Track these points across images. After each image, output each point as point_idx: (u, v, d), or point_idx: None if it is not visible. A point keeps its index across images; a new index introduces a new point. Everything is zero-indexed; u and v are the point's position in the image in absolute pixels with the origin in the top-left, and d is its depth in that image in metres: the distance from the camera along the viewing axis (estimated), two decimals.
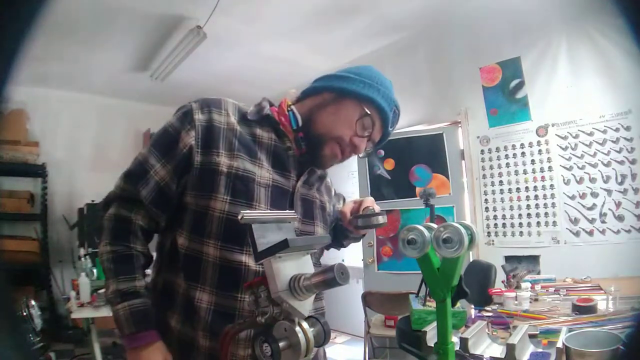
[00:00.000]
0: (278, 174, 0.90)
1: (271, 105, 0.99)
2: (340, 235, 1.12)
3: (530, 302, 1.71)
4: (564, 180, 2.72)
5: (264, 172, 0.88)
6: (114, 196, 0.88)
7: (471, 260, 2.86)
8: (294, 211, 0.85)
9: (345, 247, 1.20)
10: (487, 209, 3.07)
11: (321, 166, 0.97)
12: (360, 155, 0.96)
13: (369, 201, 0.96)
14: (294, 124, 0.95)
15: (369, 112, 0.91)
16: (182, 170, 0.85)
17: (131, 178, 0.86)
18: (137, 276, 0.83)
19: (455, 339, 0.89)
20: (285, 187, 0.91)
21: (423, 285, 1.48)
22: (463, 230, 0.67)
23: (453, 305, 0.75)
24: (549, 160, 2.80)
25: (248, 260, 0.82)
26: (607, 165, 2.55)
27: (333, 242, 1.15)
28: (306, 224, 0.96)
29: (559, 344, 0.99)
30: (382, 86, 0.94)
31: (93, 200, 4.09)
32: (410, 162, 3.43)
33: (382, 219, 0.94)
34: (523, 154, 2.92)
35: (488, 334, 1.25)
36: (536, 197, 2.84)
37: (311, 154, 0.94)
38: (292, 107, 0.98)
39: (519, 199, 2.92)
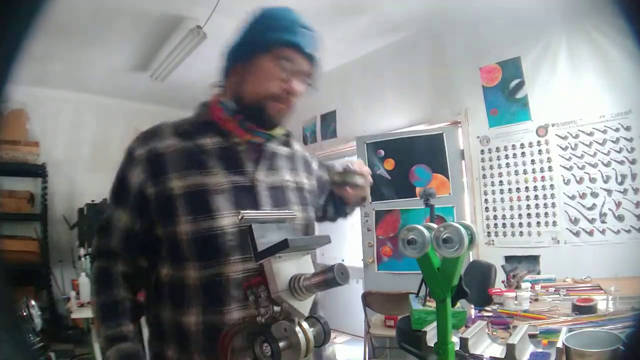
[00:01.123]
0: (234, 174, 0.88)
1: (208, 106, 0.96)
2: (339, 203, 1.13)
3: (530, 302, 1.71)
4: (564, 180, 2.72)
5: (218, 179, 0.85)
6: (94, 252, 0.93)
7: (471, 260, 2.86)
8: (293, 211, 0.84)
9: (349, 213, 1.23)
10: (487, 209, 3.07)
11: (277, 124, 0.93)
12: (302, 92, 0.91)
13: (357, 162, 0.97)
14: (230, 112, 0.92)
15: (275, 56, 0.87)
16: (141, 208, 0.86)
17: (100, 233, 0.90)
18: (122, 322, 0.85)
19: (455, 339, 0.89)
20: (246, 183, 0.88)
21: (423, 285, 1.49)
22: (463, 230, 0.67)
23: (453, 305, 0.75)
24: (549, 160, 2.79)
25: (227, 269, 0.81)
26: (607, 165, 2.55)
27: (336, 212, 1.18)
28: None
29: (559, 344, 0.99)
30: (272, 21, 0.90)
31: (93, 200, 4.09)
32: (410, 162, 3.43)
33: (359, 180, 0.93)
34: (523, 154, 2.92)
35: (488, 334, 1.25)
36: (536, 197, 2.84)
37: (261, 124, 0.91)
38: (221, 98, 0.95)
39: (519, 199, 2.92)
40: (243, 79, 0.90)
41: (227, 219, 0.82)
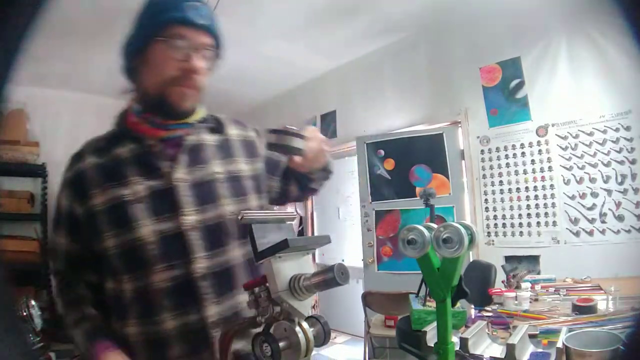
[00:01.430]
0: (152, 179, 0.84)
1: (124, 115, 0.94)
2: (301, 178, 1.01)
3: (530, 302, 1.71)
4: (564, 180, 2.72)
5: (136, 187, 0.83)
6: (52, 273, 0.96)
7: (471, 260, 2.86)
8: (293, 211, 0.85)
9: (316, 189, 1.08)
10: (487, 209, 3.07)
11: (184, 110, 0.87)
12: (204, 67, 0.85)
13: (310, 129, 0.88)
14: (138, 113, 0.88)
15: (165, 37, 0.81)
16: (73, 229, 0.87)
17: (50, 257, 0.94)
18: (84, 307, 0.86)
19: (455, 339, 0.89)
20: (163, 186, 0.84)
21: (423, 285, 1.49)
22: (463, 230, 0.67)
23: (453, 305, 0.75)
24: (549, 160, 2.79)
25: (154, 278, 0.81)
26: (607, 165, 2.55)
27: (301, 189, 1.05)
28: (207, 211, 0.85)
29: (559, 344, 0.99)
30: (155, 6, 0.84)
31: None
32: (410, 162, 3.43)
33: (297, 142, 0.81)
34: (523, 154, 2.91)
35: (488, 334, 1.25)
36: (536, 197, 2.84)
37: (169, 115, 0.86)
38: (132, 102, 0.92)
39: (519, 199, 2.92)
40: (143, 73, 0.86)
41: (145, 229, 0.80)
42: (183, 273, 0.81)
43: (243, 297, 0.84)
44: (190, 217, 0.82)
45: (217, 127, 0.96)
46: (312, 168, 0.94)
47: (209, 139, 0.93)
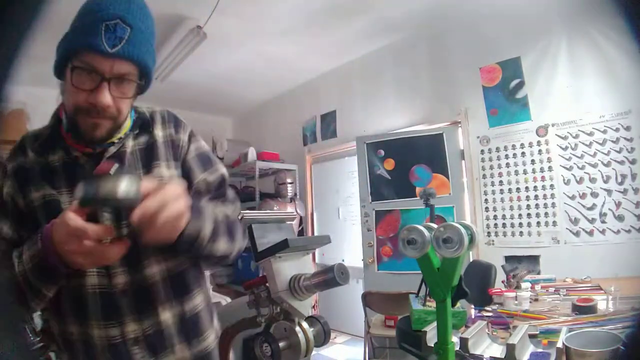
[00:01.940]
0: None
1: (57, 116, 0.89)
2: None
3: (530, 302, 1.71)
4: (564, 180, 2.72)
5: (65, 198, 0.82)
6: None
7: (471, 260, 2.86)
8: (293, 211, 0.83)
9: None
10: (487, 209, 3.07)
11: (98, 138, 0.82)
12: (108, 103, 0.77)
13: (171, 191, 0.69)
14: (65, 124, 0.85)
15: (74, 65, 0.75)
16: (18, 218, 0.84)
17: None
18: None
19: (455, 339, 0.89)
20: None
21: (423, 285, 1.49)
22: (463, 230, 0.67)
23: (453, 305, 0.75)
24: (549, 160, 2.80)
25: (85, 282, 0.81)
26: (607, 165, 2.55)
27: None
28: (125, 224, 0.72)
29: (559, 344, 0.99)
30: (76, 21, 0.78)
31: None
32: (410, 162, 3.43)
33: (122, 187, 0.58)
34: (523, 154, 2.92)
35: (488, 334, 1.25)
36: (536, 197, 2.84)
37: (76, 136, 0.83)
38: (63, 107, 0.87)
39: (519, 199, 2.92)
40: (64, 91, 0.83)
41: None
42: (106, 283, 0.81)
43: (165, 316, 0.84)
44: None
45: (144, 129, 0.91)
46: (155, 240, 0.69)
47: (131, 145, 0.89)
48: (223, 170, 0.97)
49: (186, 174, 0.91)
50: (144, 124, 0.91)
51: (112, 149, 0.85)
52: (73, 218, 0.65)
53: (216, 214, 0.83)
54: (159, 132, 0.92)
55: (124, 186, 0.61)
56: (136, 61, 0.78)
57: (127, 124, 0.89)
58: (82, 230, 0.64)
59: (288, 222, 0.69)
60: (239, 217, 0.61)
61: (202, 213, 0.78)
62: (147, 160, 0.88)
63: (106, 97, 0.76)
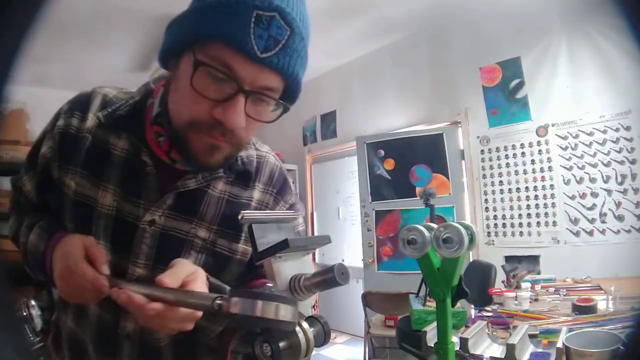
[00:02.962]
0: (125, 201, 0.66)
1: (150, 94, 0.70)
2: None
3: (530, 302, 1.71)
4: (564, 180, 2.72)
5: (107, 199, 0.66)
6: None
7: (471, 260, 2.86)
8: (293, 211, 0.76)
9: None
10: (487, 209, 3.07)
11: (210, 165, 0.64)
12: (240, 124, 0.57)
13: (200, 277, 0.58)
14: (152, 116, 0.67)
15: (205, 57, 0.54)
16: (44, 186, 0.71)
17: (12, 192, 0.78)
18: (38, 214, 0.74)
19: (455, 339, 0.89)
20: (130, 219, 0.66)
21: (423, 285, 1.49)
22: (463, 230, 0.67)
23: (453, 305, 0.75)
24: (549, 160, 2.80)
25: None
26: (607, 165, 2.55)
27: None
28: (158, 272, 0.60)
29: (559, 344, 0.99)
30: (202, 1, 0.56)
31: None
32: (410, 162, 3.43)
33: (284, 312, 0.49)
34: (523, 154, 2.92)
35: (488, 334, 1.25)
36: (536, 197, 2.84)
37: (183, 155, 0.64)
38: (159, 94, 0.68)
39: (519, 199, 2.92)
40: (171, 90, 0.62)
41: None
42: (110, 320, 0.68)
43: None
44: (140, 271, 0.66)
45: (242, 177, 0.73)
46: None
47: (218, 190, 0.70)
48: None
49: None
50: (245, 174, 0.73)
51: (190, 182, 0.67)
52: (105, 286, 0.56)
53: None
54: (256, 194, 0.74)
55: (290, 315, 0.50)
56: (290, 77, 0.58)
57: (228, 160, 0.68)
58: (136, 304, 0.52)
59: (289, 223, 0.69)
60: (239, 217, 0.61)
61: None
62: (230, 221, 0.70)
63: (239, 115, 0.56)
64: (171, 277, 0.54)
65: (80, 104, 0.70)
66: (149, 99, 0.69)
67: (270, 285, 0.49)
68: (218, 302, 0.48)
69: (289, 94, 0.62)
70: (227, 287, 0.67)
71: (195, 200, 0.68)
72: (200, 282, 0.58)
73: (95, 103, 0.70)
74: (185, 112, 0.59)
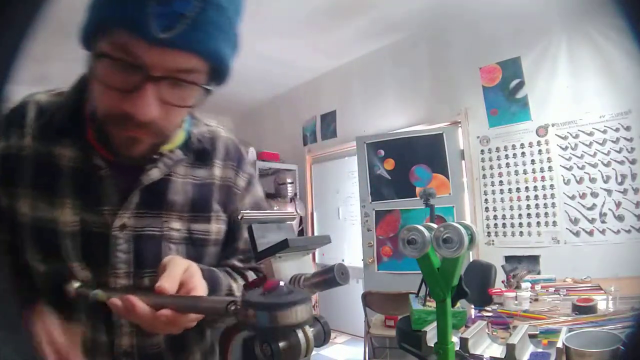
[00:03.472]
0: (88, 211, 0.61)
1: (84, 88, 0.62)
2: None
3: (530, 302, 1.71)
4: (564, 180, 2.72)
5: (67, 215, 0.60)
6: None
7: (471, 260, 2.86)
8: (293, 211, 0.79)
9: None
10: (487, 209, 3.07)
11: (136, 156, 0.61)
12: (153, 115, 0.52)
13: (196, 281, 0.56)
14: (93, 115, 0.59)
15: (101, 48, 0.50)
16: None
17: None
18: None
19: (455, 339, 0.89)
20: (99, 229, 0.62)
21: (423, 285, 1.49)
22: (463, 230, 0.67)
23: (453, 305, 0.75)
24: (549, 160, 2.80)
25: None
26: (607, 165, 2.55)
27: None
28: (143, 278, 0.63)
29: (559, 344, 0.99)
30: None
31: None
32: (410, 162, 3.43)
33: (302, 313, 0.47)
34: (523, 154, 2.92)
35: (488, 334, 1.25)
36: (536, 197, 2.84)
37: (108, 149, 0.61)
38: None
39: (519, 199, 2.92)
40: (91, 83, 0.59)
41: (79, 271, 0.61)
42: (106, 341, 0.64)
43: None
44: (122, 281, 0.62)
45: (200, 156, 0.69)
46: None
47: (181, 175, 0.67)
48: None
49: (232, 230, 0.73)
50: (203, 152, 0.69)
51: (154, 173, 0.63)
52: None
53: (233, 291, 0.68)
54: (217, 171, 0.72)
55: (307, 315, 0.49)
56: (206, 55, 0.52)
57: (181, 136, 0.66)
58: None
59: (288, 222, 0.69)
60: (239, 217, 0.61)
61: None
62: (198, 204, 0.68)
63: (150, 106, 0.51)
64: (169, 282, 0.53)
65: (15, 120, 0.63)
66: (85, 95, 0.62)
67: (282, 284, 0.48)
68: (232, 307, 0.48)
69: (216, 74, 0.57)
70: (219, 272, 0.67)
71: (161, 191, 0.65)
72: (197, 277, 0.57)
73: (30, 115, 0.63)
74: (99, 105, 0.55)
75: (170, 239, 0.66)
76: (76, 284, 0.59)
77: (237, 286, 0.72)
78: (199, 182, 0.69)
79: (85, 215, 0.61)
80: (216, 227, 0.70)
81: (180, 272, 0.55)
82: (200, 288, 0.56)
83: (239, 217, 0.55)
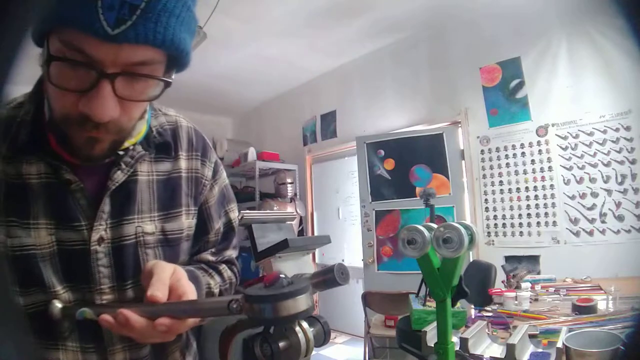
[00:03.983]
0: (63, 229, 0.58)
1: (40, 94, 0.59)
2: None
3: (530, 302, 1.71)
4: (564, 180, 2.72)
5: (42, 237, 0.57)
6: None
7: (471, 260, 2.86)
8: (293, 211, 0.80)
9: None
10: (487, 209, 3.07)
11: (96, 156, 0.57)
12: (110, 114, 0.50)
13: (184, 285, 0.55)
14: (51, 119, 0.56)
15: (52, 50, 0.47)
16: None
17: None
18: None
19: (455, 339, 0.89)
20: (77, 246, 0.59)
21: (423, 285, 1.49)
22: (463, 230, 0.67)
23: (453, 305, 0.75)
24: (549, 160, 2.80)
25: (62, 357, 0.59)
26: (607, 165, 2.55)
27: None
28: (128, 289, 0.62)
29: (559, 344, 0.99)
30: None
31: None
32: (410, 162, 3.43)
33: (302, 303, 0.48)
34: (523, 154, 2.92)
35: (488, 334, 1.25)
36: (536, 197, 2.84)
37: (68, 150, 0.57)
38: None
39: (519, 199, 2.92)
40: (46, 83, 0.53)
41: (61, 295, 0.58)
42: (99, 357, 0.61)
43: None
44: (107, 297, 0.60)
45: (162, 150, 0.66)
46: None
47: (145, 172, 0.64)
48: (236, 212, 0.78)
49: (202, 222, 0.72)
50: (165, 145, 0.67)
51: (118, 176, 0.60)
52: None
53: (213, 292, 0.69)
54: (183, 163, 0.69)
55: (308, 304, 0.49)
56: (163, 45, 0.50)
57: (143, 129, 0.63)
58: None
59: (288, 222, 0.69)
60: (239, 217, 0.61)
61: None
62: (167, 201, 0.66)
63: (107, 106, 0.49)
64: (160, 289, 0.52)
65: None
66: (37, 97, 0.59)
67: (282, 276, 0.48)
68: (233, 305, 0.48)
69: (175, 62, 0.55)
70: (196, 271, 0.66)
71: (128, 194, 0.62)
72: (185, 280, 0.56)
73: None
74: (55, 108, 0.52)
75: (146, 245, 0.63)
76: (59, 305, 0.57)
77: (214, 283, 0.71)
78: (164, 177, 0.66)
79: (61, 233, 0.58)
80: (188, 223, 0.68)
81: (168, 277, 0.54)
82: (190, 292, 0.55)
83: (239, 217, 0.55)
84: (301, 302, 0.47)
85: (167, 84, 0.55)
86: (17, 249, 0.56)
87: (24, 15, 0.31)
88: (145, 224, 0.63)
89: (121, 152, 0.60)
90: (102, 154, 0.57)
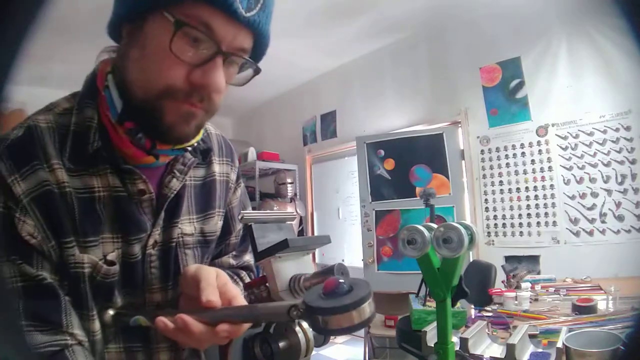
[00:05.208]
0: (129, 244, 0.58)
1: (96, 95, 0.58)
2: None
3: (530, 302, 1.71)
4: (564, 180, 2.72)
5: (107, 251, 0.57)
6: None
7: (471, 260, 2.86)
8: (293, 211, 0.80)
9: None
10: (487, 209, 3.07)
11: (184, 135, 0.56)
12: (223, 86, 0.53)
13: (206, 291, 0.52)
14: (114, 112, 0.55)
15: (181, 19, 0.48)
16: (59, 271, 0.54)
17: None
18: None
19: (455, 339, 0.89)
20: (135, 257, 0.59)
21: (423, 285, 1.49)
22: (463, 230, 0.67)
23: (453, 305, 0.75)
24: (549, 160, 2.80)
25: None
26: (607, 165, 2.55)
27: None
28: (172, 290, 0.63)
29: (559, 344, 0.99)
30: None
31: None
32: (410, 162, 3.43)
33: (369, 309, 0.43)
34: (523, 154, 2.92)
35: (488, 334, 1.25)
36: (536, 197, 2.84)
37: (160, 138, 0.56)
38: (109, 79, 0.57)
39: (519, 199, 2.92)
40: (132, 59, 0.54)
41: (116, 304, 0.59)
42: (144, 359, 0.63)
43: None
44: (156, 297, 0.62)
45: (204, 157, 0.68)
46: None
47: (189, 177, 0.65)
48: None
49: (226, 223, 0.73)
50: (206, 152, 0.68)
51: (174, 184, 0.61)
52: None
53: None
54: (216, 168, 0.71)
55: (371, 311, 0.45)
56: (265, 36, 0.55)
57: (200, 132, 0.63)
58: None
59: (288, 222, 0.69)
60: (239, 217, 0.61)
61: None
62: (203, 205, 0.67)
63: (222, 78, 0.52)
64: (214, 294, 0.52)
65: (31, 151, 0.53)
66: (94, 101, 0.58)
67: (342, 281, 0.45)
68: (294, 312, 0.46)
69: (258, 54, 0.59)
70: (227, 272, 0.66)
71: (177, 200, 0.63)
72: (230, 284, 0.56)
73: (49, 143, 0.54)
74: (159, 80, 0.51)
75: (186, 245, 0.65)
76: (111, 312, 0.59)
77: (240, 289, 0.71)
78: (200, 182, 0.68)
79: (125, 247, 0.58)
80: (219, 225, 0.71)
81: (213, 280, 0.54)
82: (238, 295, 0.55)
83: (239, 217, 0.55)
84: (364, 311, 0.44)
85: (257, 71, 0.59)
86: (94, 267, 0.55)
87: (24, 15, 0.31)
88: (185, 226, 0.65)
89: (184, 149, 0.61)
90: (191, 133, 0.57)
